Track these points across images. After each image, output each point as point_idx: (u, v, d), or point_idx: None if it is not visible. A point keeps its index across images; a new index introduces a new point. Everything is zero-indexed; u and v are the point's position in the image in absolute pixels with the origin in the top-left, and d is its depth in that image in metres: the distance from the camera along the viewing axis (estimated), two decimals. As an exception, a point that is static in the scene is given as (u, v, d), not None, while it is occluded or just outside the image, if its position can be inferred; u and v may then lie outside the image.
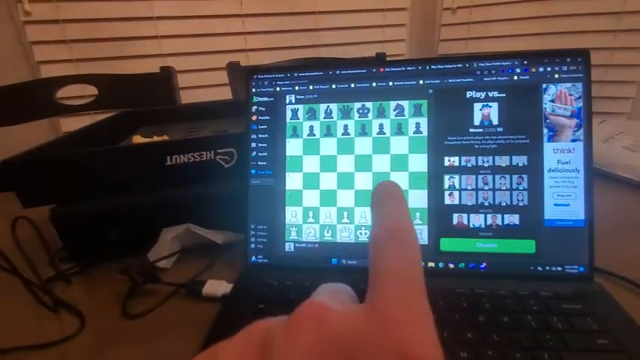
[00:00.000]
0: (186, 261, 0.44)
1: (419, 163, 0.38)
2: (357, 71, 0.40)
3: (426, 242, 0.38)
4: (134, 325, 0.36)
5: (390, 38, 1.53)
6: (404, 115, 0.39)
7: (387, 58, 1.10)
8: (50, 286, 0.39)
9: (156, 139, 0.57)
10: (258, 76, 0.42)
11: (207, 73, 1.34)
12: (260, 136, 0.41)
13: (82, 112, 0.89)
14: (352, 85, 0.40)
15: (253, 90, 0.42)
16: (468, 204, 0.37)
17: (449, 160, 0.38)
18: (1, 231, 0.41)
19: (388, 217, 0.15)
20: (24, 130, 0.86)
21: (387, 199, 0.16)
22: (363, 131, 0.39)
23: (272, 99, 0.41)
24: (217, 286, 0.38)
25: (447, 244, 0.38)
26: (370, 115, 0.39)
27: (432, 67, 0.38)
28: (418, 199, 0.38)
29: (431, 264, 0.38)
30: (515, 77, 0.37)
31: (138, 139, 0.59)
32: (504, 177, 0.37)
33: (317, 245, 0.40)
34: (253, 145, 0.41)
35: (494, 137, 0.37)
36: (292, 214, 0.40)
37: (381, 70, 0.39)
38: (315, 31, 1.43)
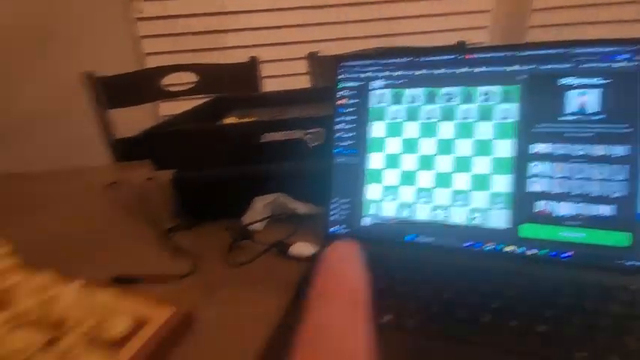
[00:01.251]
0: (274, 226, 0.50)
1: (505, 148, 0.38)
2: (443, 57, 0.41)
3: (506, 226, 0.38)
4: (234, 273, 0.42)
5: (473, 25, 1.45)
6: (492, 101, 0.39)
7: (468, 47, 1.06)
8: (170, 235, 0.48)
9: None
10: (345, 63, 0.45)
11: (286, 63, 1.42)
12: (346, 118, 0.45)
13: (182, 97, 1.02)
14: (438, 71, 0.41)
15: (340, 76, 0.45)
16: (555, 192, 0.37)
17: (537, 147, 0.37)
18: (132, 190, 0.51)
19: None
20: (129, 112, 1.01)
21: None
22: (447, 116, 0.41)
23: (358, 84, 0.45)
24: (303, 248, 0.43)
25: (528, 231, 0.38)
26: (456, 100, 0.40)
27: (526, 52, 0.38)
28: (501, 184, 0.38)
29: (509, 248, 0.38)
30: (619, 64, 0.36)
31: (231, 120, 0.67)
32: (599, 166, 0.36)
33: (394, 221, 0.43)
34: (339, 126, 0.45)
35: (590, 125, 0.36)
36: (372, 191, 0.44)
37: (467, 57, 0.40)
38: (393, 20, 1.42)
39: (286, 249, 0.43)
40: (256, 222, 0.48)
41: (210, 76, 0.98)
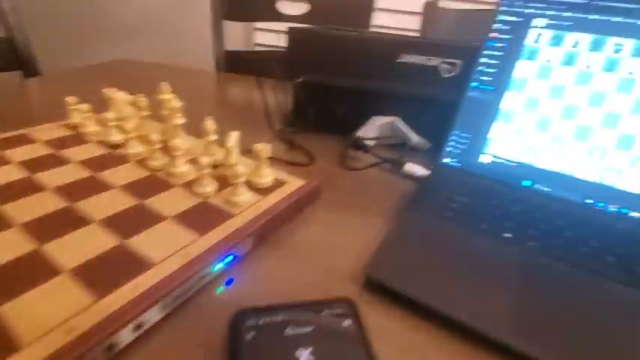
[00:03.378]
0: (382, 148, 0.52)
1: (667, 111, 0.36)
2: (628, 5, 0.39)
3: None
4: (349, 174, 0.45)
5: None
6: (669, 60, 0.37)
7: None
8: (289, 130, 0.52)
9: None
10: (512, -4, 0.44)
11: (391, 15, 1.38)
12: (493, 52, 0.44)
13: (293, 22, 1.04)
14: (615, 19, 0.39)
15: (501, 8, 0.44)
16: None
17: None
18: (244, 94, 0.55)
19: None
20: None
21: None
22: (610, 68, 0.39)
23: (519, 19, 0.43)
24: (416, 168, 0.45)
25: (665, 201, 0.36)
26: (625, 53, 0.38)
27: None
28: (649, 148, 0.37)
29: (636, 214, 0.37)
30: None
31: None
32: None
33: (515, 164, 0.43)
34: (484, 60, 0.45)
35: None
36: (499, 131, 0.44)
37: (660, 7, 0.37)
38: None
39: (401, 165, 0.46)
40: (369, 139, 0.50)
41: (322, 6, 0.99)
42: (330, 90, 0.52)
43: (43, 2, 1.59)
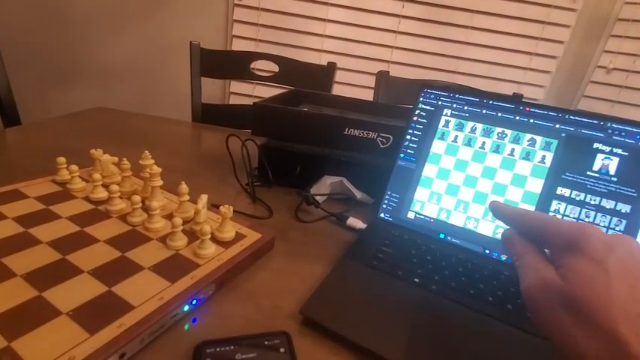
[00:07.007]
0: (331, 202, 0.62)
1: (535, 185, 0.49)
2: (506, 105, 0.52)
3: (521, 245, 0.49)
4: (300, 226, 0.54)
5: (531, 82, 1.54)
6: (534, 147, 0.50)
7: (523, 100, 1.16)
8: (253, 185, 0.61)
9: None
10: (428, 90, 0.57)
11: (351, 74, 1.55)
12: (415, 132, 0.57)
13: (263, 82, 1.16)
14: (499, 114, 0.52)
15: (421, 98, 0.57)
16: (566, 228, 0.47)
17: (561, 190, 0.48)
18: (219, 146, 0.65)
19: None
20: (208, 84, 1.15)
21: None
22: (497, 150, 0.52)
23: (432, 108, 0.56)
24: (356, 222, 0.55)
25: (538, 252, 0.48)
26: (506, 139, 0.51)
27: (571, 117, 0.49)
28: (525, 211, 0.49)
29: (519, 262, 0.48)
30: (643, 143, 0.46)
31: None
32: (605, 216, 0.46)
33: (432, 220, 0.54)
34: (408, 137, 0.57)
35: (607, 184, 0.46)
36: (421, 193, 0.55)
37: (527, 109, 0.51)
38: (460, 59, 1.53)
39: (344, 219, 0.55)
40: (320, 195, 0.60)
41: (290, 70, 1.13)
42: (288, 154, 0.62)
43: (24, 45, 1.65)
